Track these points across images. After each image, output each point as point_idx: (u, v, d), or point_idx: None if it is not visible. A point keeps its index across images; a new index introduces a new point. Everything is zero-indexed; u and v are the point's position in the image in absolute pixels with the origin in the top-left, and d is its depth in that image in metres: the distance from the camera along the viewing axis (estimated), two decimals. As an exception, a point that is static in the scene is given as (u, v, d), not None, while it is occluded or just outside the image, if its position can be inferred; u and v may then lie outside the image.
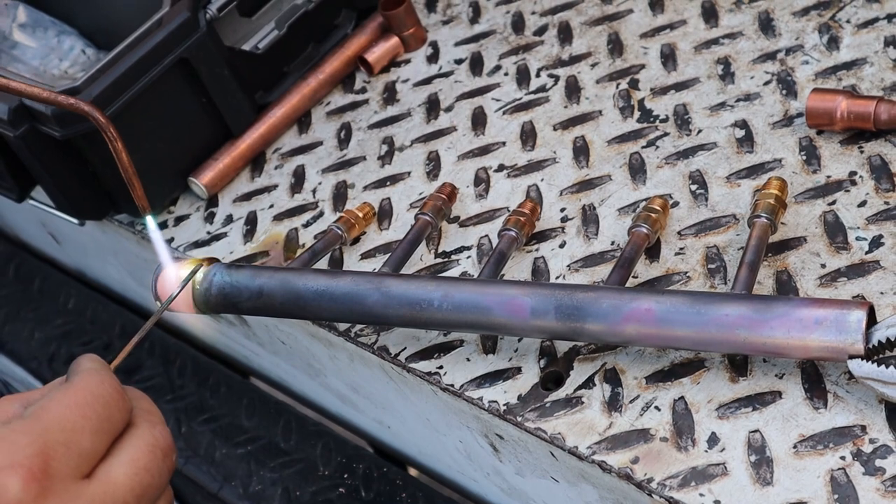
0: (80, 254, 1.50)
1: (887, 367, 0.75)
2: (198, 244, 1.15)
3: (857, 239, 0.88)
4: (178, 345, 1.38)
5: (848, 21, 1.05)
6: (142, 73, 1.11)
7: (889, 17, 1.03)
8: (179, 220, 1.18)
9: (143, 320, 1.44)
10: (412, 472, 1.19)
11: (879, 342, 0.76)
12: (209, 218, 1.17)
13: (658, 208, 0.94)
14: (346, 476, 1.15)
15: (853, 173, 0.93)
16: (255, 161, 1.21)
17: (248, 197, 1.18)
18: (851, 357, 0.76)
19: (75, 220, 1.25)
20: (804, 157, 0.96)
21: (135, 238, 1.22)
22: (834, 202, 0.91)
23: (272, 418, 1.24)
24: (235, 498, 1.18)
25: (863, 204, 0.90)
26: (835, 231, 0.89)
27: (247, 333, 1.20)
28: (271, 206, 1.15)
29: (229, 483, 1.20)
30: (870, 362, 0.76)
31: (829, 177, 0.93)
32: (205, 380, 1.31)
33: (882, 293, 0.84)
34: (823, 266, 0.88)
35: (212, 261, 0.99)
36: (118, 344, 1.43)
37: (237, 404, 1.27)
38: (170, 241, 1.16)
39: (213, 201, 1.19)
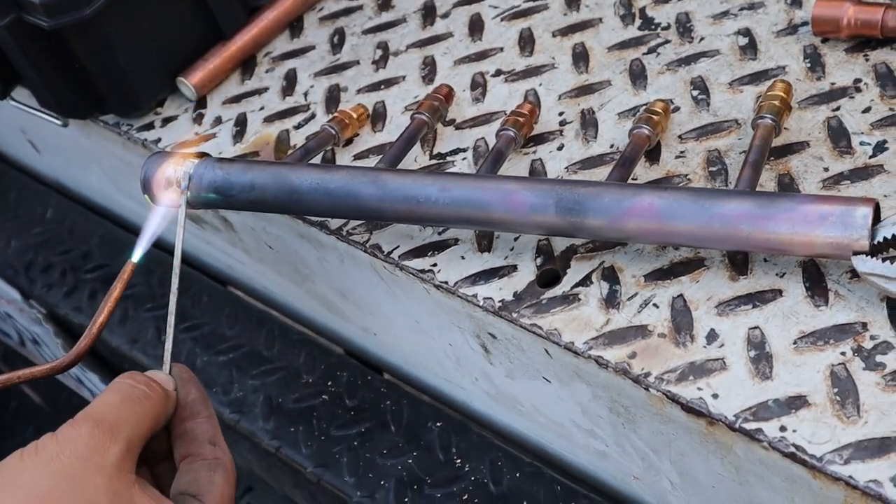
0: (61, 162, 1.47)
1: (892, 262, 0.74)
2: (186, 144, 1.12)
3: (861, 144, 0.87)
4: (158, 254, 1.35)
5: (854, -66, 1.03)
6: (133, -35, 1.08)
7: (896, -69, 1.02)
8: (167, 121, 1.16)
9: (124, 231, 1.42)
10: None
11: (885, 238, 0.75)
12: (198, 119, 1.15)
13: (659, 111, 0.92)
14: (329, 384, 1.14)
15: (858, 80, 0.92)
16: (246, 64, 1.19)
17: (237, 99, 1.15)
18: (856, 253, 0.75)
19: (59, 121, 1.22)
20: (808, 65, 0.95)
21: (120, 140, 1.19)
22: (838, 108, 0.90)
23: (255, 327, 1.23)
24: (216, 404, 1.16)
25: (867, 110, 0.89)
26: (838, 136, 0.88)
27: (232, 240, 1.19)
28: (262, 109, 1.13)
29: (210, 389, 1.18)
30: (875, 258, 0.75)
31: (833, 83, 0.92)
32: (186, 289, 1.30)
33: (886, 196, 0.83)
34: (826, 170, 0.87)
35: (202, 156, 0.97)
36: (97, 254, 1.41)
37: (219, 313, 1.26)
38: (156, 141, 1.14)
39: (201, 103, 1.17)
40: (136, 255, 0.90)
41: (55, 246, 1.43)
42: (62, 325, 1.40)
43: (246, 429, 1.14)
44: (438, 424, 1.07)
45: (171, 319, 0.86)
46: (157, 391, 0.77)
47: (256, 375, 1.17)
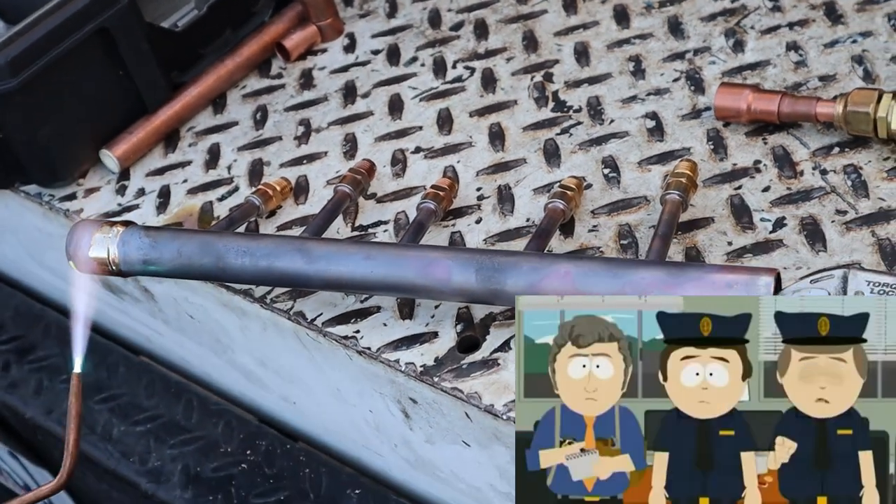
0: (-26, 234, 1.47)
1: (793, 328, 0.79)
2: (108, 215, 1.14)
3: (762, 220, 0.93)
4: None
5: (752, 27, 1.11)
6: (60, 39, 1.11)
7: (790, 25, 1.10)
8: (90, 191, 1.18)
9: (37, 303, 1.42)
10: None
11: (785, 306, 0.80)
12: (121, 190, 1.17)
13: (573, 186, 0.97)
14: (248, 452, 1.15)
15: (758, 162, 0.98)
16: (169, 138, 1.21)
17: (161, 171, 1.18)
18: (759, 319, 0.80)
19: (-24, 191, 1.23)
20: (711, 147, 1.01)
21: (41, 210, 1.20)
22: (740, 187, 0.96)
23: (173, 397, 1.23)
24: (132, 473, 1.17)
25: (767, 189, 0.95)
26: (741, 212, 0.94)
27: (152, 311, 1.20)
28: (185, 181, 1.16)
29: (127, 460, 1.18)
30: (776, 324, 0.80)
31: (735, 164, 0.98)
32: (102, 360, 1.30)
33: (785, 268, 0.89)
34: (730, 244, 0.92)
35: (127, 224, 0.99)
36: (11, 325, 1.40)
37: (136, 384, 1.26)
38: (79, 211, 1.16)
39: (124, 175, 1.19)
40: (78, 366, 0.91)
41: (-34, 317, 1.43)
42: (-28, 397, 1.39)
43: (163, 498, 1.14)
44: (357, 492, 1.09)
45: None
46: None
47: (174, 445, 1.18)
